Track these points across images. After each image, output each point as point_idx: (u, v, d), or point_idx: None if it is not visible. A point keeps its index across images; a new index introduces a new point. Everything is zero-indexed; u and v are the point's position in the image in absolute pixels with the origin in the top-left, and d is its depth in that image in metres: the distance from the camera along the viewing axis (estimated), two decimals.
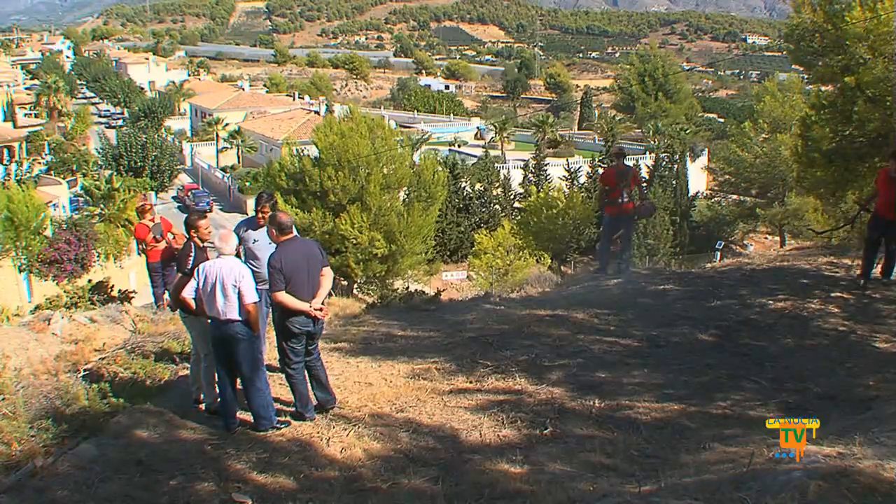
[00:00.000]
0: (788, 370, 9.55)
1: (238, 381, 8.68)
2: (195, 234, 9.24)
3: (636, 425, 8.20)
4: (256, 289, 9.31)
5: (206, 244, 9.22)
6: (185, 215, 9.83)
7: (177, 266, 9.49)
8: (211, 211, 64.21)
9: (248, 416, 8.71)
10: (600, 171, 46.71)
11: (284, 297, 8.45)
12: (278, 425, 8.60)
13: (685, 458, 7.08)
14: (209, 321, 8.51)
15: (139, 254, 16.03)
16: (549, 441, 7.92)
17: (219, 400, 8.82)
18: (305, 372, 8.97)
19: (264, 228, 9.72)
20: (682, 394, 9.01)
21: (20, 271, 32.26)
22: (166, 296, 15.29)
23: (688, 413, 8.46)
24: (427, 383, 9.89)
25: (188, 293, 8.59)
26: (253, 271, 9.47)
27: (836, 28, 15.93)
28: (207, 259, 8.92)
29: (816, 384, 9.05)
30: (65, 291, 17.67)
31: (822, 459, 5.54)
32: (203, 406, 9.24)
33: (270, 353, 10.61)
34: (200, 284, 8.44)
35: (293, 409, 9.01)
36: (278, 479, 7.32)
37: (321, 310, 8.61)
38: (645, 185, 56.26)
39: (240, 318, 8.31)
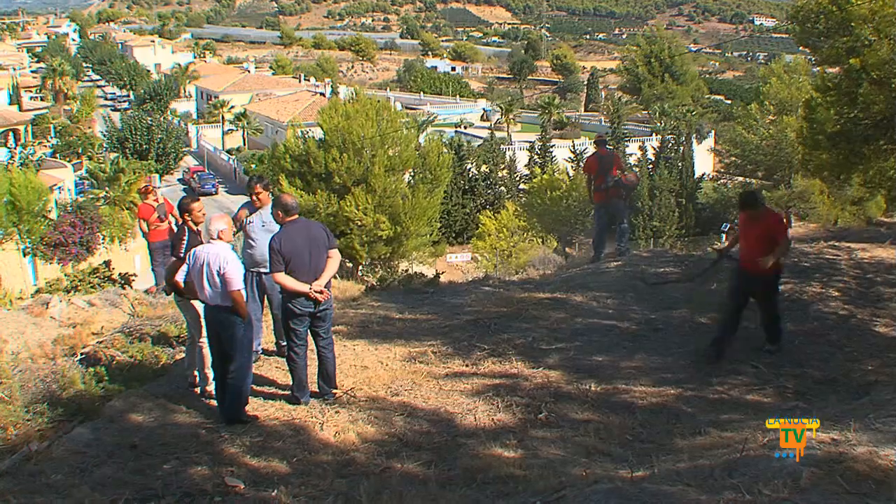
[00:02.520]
0: (787, 354, 9.51)
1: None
2: (189, 218, 9.20)
3: (632, 409, 8.17)
4: (250, 270, 9.31)
5: (199, 227, 9.19)
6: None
7: (171, 250, 9.46)
8: (217, 193, 64.30)
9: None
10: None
11: (283, 277, 8.43)
12: (245, 419, 8.41)
13: (680, 442, 7.05)
14: (202, 305, 8.47)
15: (143, 237, 16.06)
16: (544, 425, 7.90)
17: (213, 384, 8.77)
18: (316, 357, 8.97)
19: (260, 211, 9.68)
20: (679, 378, 8.98)
21: (24, 255, 32.30)
22: None
23: (684, 397, 8.44)
24: (423, 367, 9.87)
25: (180, 276, 8.58)
26: (248, 254, 9.48)
27: (842, 9, 15.81)
28: (202, 242, 8.90)
29: (815, 368, 9.02)
30: (65, 275, 17.69)
31: (817, 446, 5.51)
32: (198, 390, 9.22)
33: (268, 337, 10.60)
34: (190, 268, 8.40)
35: (288, 392, 9.00)
36: (271, 464, 7.30)
37: (321, 292, 8.56)
38: (651, 166, 56.14)
39: (225, 305, 8.24)
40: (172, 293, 9.26)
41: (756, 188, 11.11)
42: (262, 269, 9.42)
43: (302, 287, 8.43)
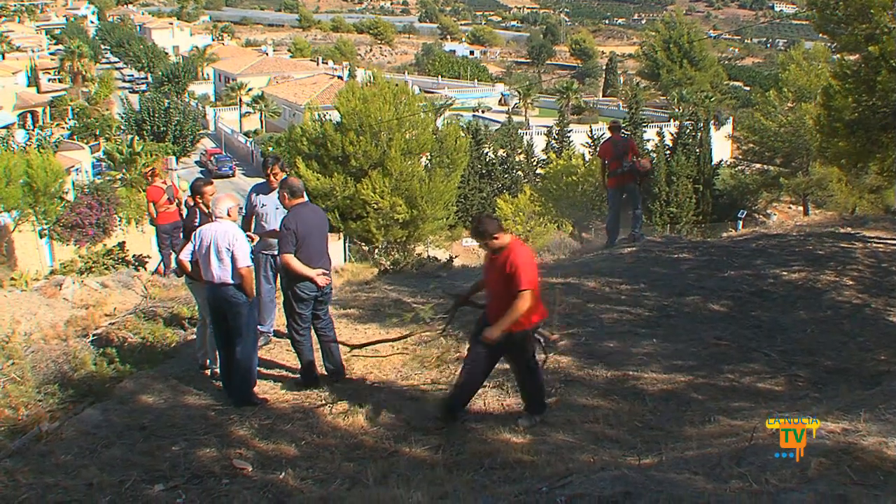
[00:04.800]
0: (800, 343, 9.45)
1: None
2: (200, 200, 9.22)
3: (642, 396, 8.13)
4: (262, 253, 9.31)
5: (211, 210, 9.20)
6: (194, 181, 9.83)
7: (183, 232, 9.48)
8: (234, 175, 64.42)
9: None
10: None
11: (292, 260, 8.39)
12: (255, 401, 8.44)
13: (689, 430, 7.01)
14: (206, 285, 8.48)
15: (151, 222, 16.14)
16: (554, 411, 7.86)
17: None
18: (316, 340, 8.95)
19: (274, 193, 9.63)
20: (690, 365, 8.92)
21: (40, 236, 32.43)
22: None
23: (695, 384, 8.38)
24: (434, 350, 9.84)
25: (185, 256, 8.61)
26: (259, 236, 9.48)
27: None
28: None
29: (827, 357, 8.96)
30: (79, 256, 17.75)
31: (826, 435, 5.46)
32: (209, 371, 9.24)
33: (279, 320, 10.60)
34: (196, 247, 8.40)
35: (298, 375, 9.01)
36: (280, 446, 7.30)
37: (325, 275, 8.56)
38: (669, 152, 55.79)
39: (233, 282, 8.24)
40: (184, 275, 9.28)
41: (489, 215, 9.25)
42: (276, 252, 9.41)
43: (309, 272, 8.41)
